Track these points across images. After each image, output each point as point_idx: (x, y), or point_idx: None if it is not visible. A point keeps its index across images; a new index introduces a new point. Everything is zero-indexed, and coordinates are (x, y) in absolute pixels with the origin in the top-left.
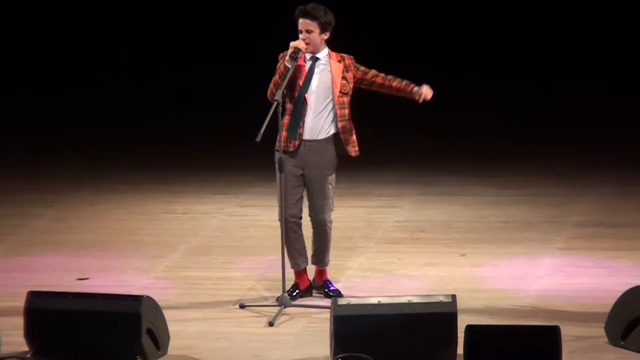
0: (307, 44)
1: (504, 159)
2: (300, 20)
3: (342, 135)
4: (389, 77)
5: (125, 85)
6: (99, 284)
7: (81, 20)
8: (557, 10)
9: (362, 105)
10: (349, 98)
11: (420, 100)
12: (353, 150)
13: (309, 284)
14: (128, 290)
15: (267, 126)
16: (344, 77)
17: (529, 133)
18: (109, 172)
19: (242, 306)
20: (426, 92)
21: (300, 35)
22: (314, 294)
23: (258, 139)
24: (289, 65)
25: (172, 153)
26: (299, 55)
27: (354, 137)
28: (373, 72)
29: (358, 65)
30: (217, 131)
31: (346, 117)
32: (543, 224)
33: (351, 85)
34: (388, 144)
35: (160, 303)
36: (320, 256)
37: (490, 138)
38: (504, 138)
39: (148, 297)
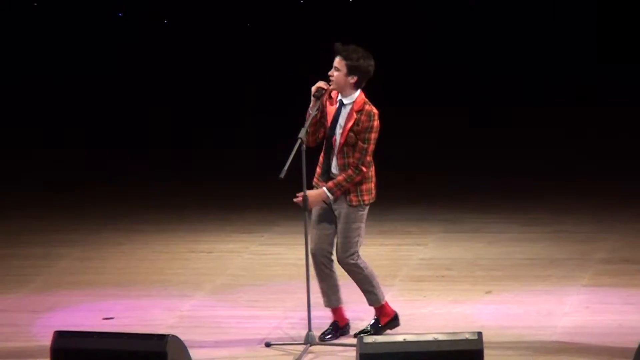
0: (331, 80)
1: (527, 196)
2: (335, 57)
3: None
4: (343, 174)
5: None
6: (124, 324)
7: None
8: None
9: (386, 145)
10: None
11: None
12: (356, 200)
13: (347, 322)
14: (154, 329)
15: (290, 162)
16: (351, 130)
17: (552, 169)
18: (133, 211)
19: (268, 345)
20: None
21: (329, 73)
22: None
23: (282, 175)
24: (311, 110)
25: (196, 191)
26: (322, 95)
27: (360, 187)
28: (359, 151)
29: (369, 131)
30: (240, 168)
31: (349, 167)
32: (569, 261)
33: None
34: (412, 182)
35: (186, 342)
36: (365, 296)
37: (513, 175)
38: (528, 175)
39: (174, 337)
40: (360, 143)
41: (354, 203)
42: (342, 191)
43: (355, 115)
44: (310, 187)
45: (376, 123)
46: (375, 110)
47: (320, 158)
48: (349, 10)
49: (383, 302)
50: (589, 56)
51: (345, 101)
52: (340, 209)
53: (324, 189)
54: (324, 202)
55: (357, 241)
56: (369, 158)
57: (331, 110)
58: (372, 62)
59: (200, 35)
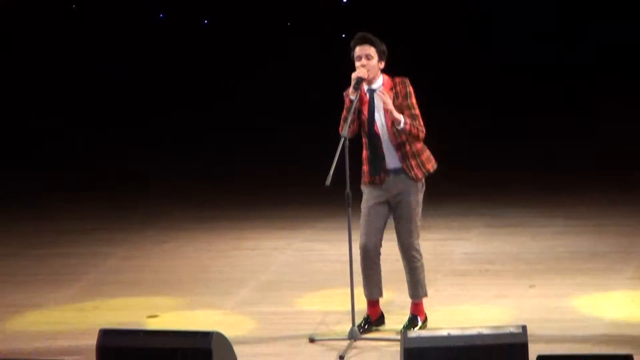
0: (367, 70)
1: (569, 190)
2: (358, 48)
3: (409, 173)
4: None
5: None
6: (169, 321)
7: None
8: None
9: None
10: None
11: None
12: (419, 172)
13: (380, 314)
14: (198, 326)
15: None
16: (396, 107)
17: (594, 164)
18: (176, 210)
19: (312, 340)
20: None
21: (359, 63)
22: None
23: (328, 182)
24: (353, 97)
25: (239, 189)
26: (361, 85)
27: (420, 158)
28: (411, 116)
29: (409, 96)
30: (283, 165)
31: (404, 144)
32: (612, 254)
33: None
34: (453, 177)
35: (230, 339)
36: (412, 287)
37: (555, 170)
38: (569, 169)
39: (219, 333)
40: (407, 112)
41: (420, 176)
42: (409, 126)
43: (391, 92)
44: (353, 184)
45: (411, 87)
46: (404, 78)
47: (364, 155)
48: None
49: (423, 299)
50: None
51: (374, 87)
52: (399, 197)
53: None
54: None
55: (420, 225)
56: (422, 121)
57: (364, 101)
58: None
59: (237, 34)
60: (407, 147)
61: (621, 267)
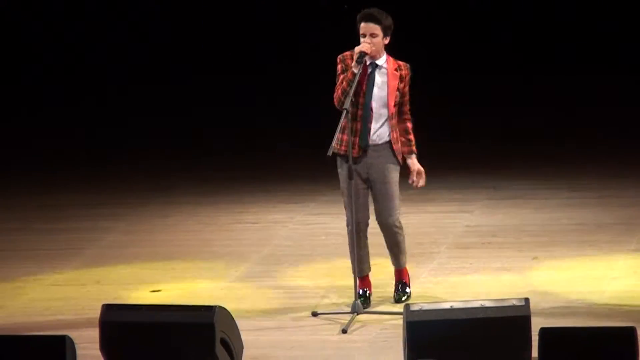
0: (371, 46)
1: (573, 161)
2: (363, 24)
3: (394, 145)
4: (405, 121)
5: (189, 94)
6: (172, 296)
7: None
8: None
9: (428, 111)
10: (398, 106)
11: (414, 185)
12: (399, 156)
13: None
14: (201, 301)
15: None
16: (398, 89)
17: (597, 134)
18: (178, 184)
19: (314, 314)
20: (419, 179)
21: (364, 39)
22: (386, 297)
23: (330, 152)
24: (356, 71)
25: (240, 163)
26: (364, 59)
27: (400, 139)
28: (406, 103)
29: (407, 81)
30: (284, 139)
31: (396, 127)
32: (616, 226)
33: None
34: (455, 149)
35: (233, 313)
36: (395, 258)
37: (557, 141)
38: (572, 140)
39: (221, 308)
40: (405, 97)
41: (399, 158)
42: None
43: (396, 74)
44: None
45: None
46: (407, 64)
47: (343, 124)
48: None
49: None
50: None
51: (379, 63)
52: (382, 172)
53: (414, 156)
54: (355, 169)
55: (399, 202)
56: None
57: (363, 75)
58: (391, 17)
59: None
60: (393, 127)
61: (625, 239)
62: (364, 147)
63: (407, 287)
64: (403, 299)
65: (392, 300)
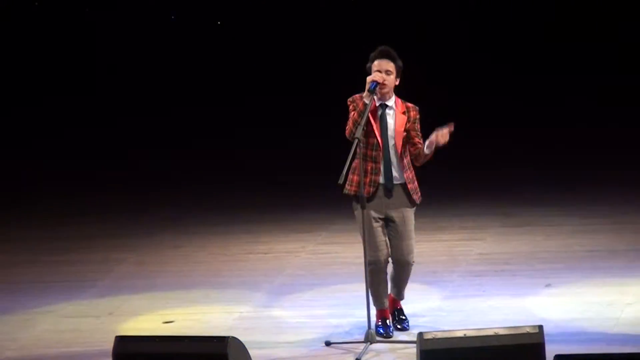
0: (384, 84)
1: (585, 189)
2: (377, 62)
3: (409, 185)
4: (417, 144)
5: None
6: (184, 327)
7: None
8: None
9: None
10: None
11: (440, 141)
12: (417, 198)
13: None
14: (214, 331)
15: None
16: (405, 130)
17: (609, 161)
18: (189, 214)
19: (328, 344)
20: (440, 135)
21: (377, 75)
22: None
23: (341, 181)
24: (367, 101)
25: (251, 193)
26: (376, 89)
27: (417, 184)
28: (418, 141)
29: (417, 122)
30: (295, 168)
31: (409, 167)
32: (629, 252)
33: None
34: (467, 177)
35: (246, 343)
36: (399, 291)
37: (570, 168)
38: (586, 168)
39: (234, 338)
40: (413, 133)
41: (418, 201)
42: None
43: (404, 117)
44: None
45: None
46: (415, 105)
47: (355, 165)
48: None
49: None
50: None
51: (389, 104)
52: (400, 212)
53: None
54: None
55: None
56: None
57: (374, 114)
58: None
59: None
60: (410, 172)
61: (638, 265)
62: (390, 187)
63: (403, 312)
64: (405, 324)
65: (393, 328)
